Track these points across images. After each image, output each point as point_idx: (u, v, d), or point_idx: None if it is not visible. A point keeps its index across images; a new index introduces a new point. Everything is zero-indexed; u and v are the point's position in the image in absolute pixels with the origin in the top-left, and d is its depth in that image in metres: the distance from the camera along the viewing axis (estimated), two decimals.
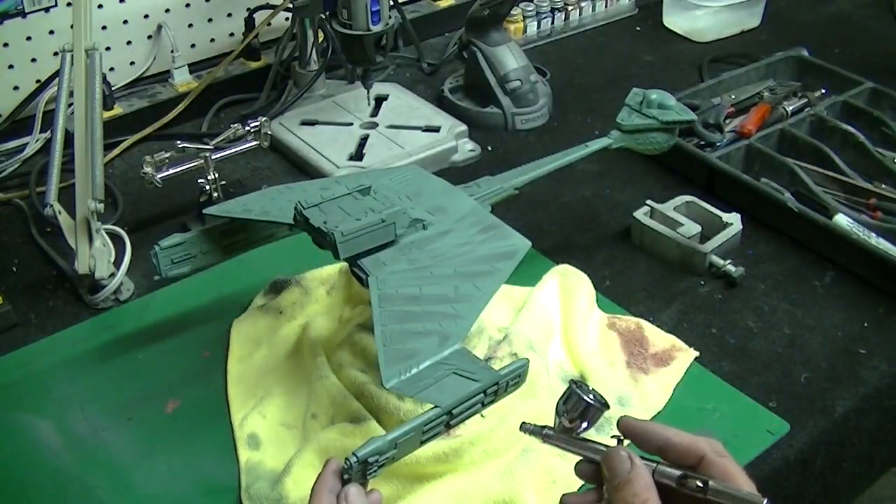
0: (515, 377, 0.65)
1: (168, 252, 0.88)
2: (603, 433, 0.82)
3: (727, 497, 0.55)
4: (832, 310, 0.99)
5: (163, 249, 0.87)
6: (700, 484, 0.56)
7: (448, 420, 0.62)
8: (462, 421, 0.63)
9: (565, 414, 0.62)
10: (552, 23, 1.59)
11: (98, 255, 0.97)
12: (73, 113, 0.98)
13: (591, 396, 0.61)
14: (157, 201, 1.15)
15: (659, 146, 1.02)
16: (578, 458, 0.62)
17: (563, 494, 0.62)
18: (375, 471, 0.60)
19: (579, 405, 0.61)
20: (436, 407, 0.61)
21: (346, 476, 0.59)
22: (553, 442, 0.63)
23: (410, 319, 0.69)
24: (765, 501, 0.54)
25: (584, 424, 0.62)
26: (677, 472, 0.57)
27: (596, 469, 0.60)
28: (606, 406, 0.61)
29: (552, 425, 0.63)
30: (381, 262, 0.76)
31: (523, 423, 0.64)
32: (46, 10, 1.23)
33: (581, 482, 0.77)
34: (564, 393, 0.62)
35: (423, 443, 0.62)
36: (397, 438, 0.60)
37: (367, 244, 0.76)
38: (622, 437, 0.61)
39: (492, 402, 0.65)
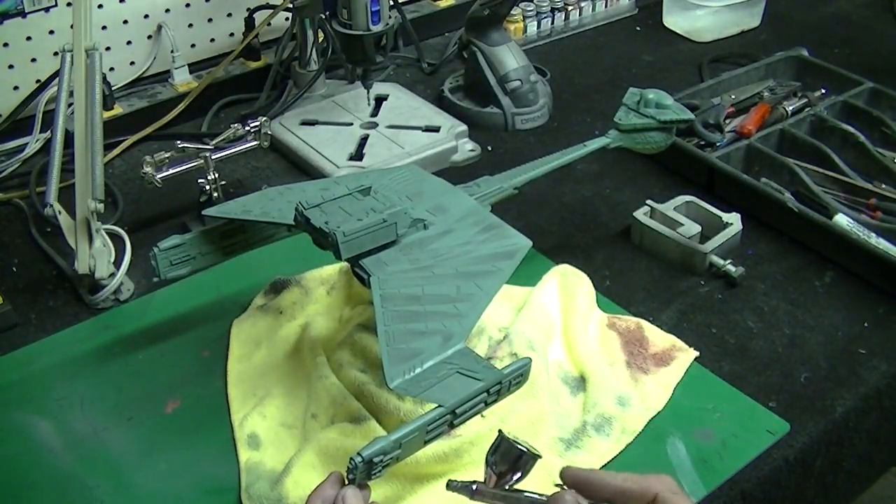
0: (518, 376, 0.65)
1: (167, 254, 0.88)
2: (602, 434, 0.82)
3: None
4: (832, 310, 0.99)
5: (161, 251, 0.87)
6: None
7: (452, 420, 0.62)
8: (465, 420, 0.63)
9: (495, 465, 0.59)
10: (552, 23, 1.59)
11: (98, 255, 0.97)
12: (73, 113, 0.98)
13: (523, 445, 0.59)
14: (157, 201, 1.15)
15: (657, 145, 1.02)
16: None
17: None
18: (380, 471, 0.59)
19: (510, 454, 0.59)
20: (439, 406, 0.61)
21: (350, 476, 0.59)
22: (485, 498, 0.60)
23: (413, 319, 0.69)
24: None
25: (518, 475, 0.59)
26: None
27: None
28: (538, 455, 0.59)
29: (482, 480, 0.60)
30: (383, 263, 0.76)
31: (449, 481, 0.61)
32: (46, 10, 1.23)
33: None
34: (493, 443, 0.60)
35: (426, 442, 0.62)
36: (402, 438, 0.59)
37: (369, 244, 0.76)
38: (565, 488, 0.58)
39: (494, 401, 0.65)
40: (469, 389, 0.62)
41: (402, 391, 0.64)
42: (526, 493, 0.59)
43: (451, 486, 0.62)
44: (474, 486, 0.60)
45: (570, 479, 0.58)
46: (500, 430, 0.61)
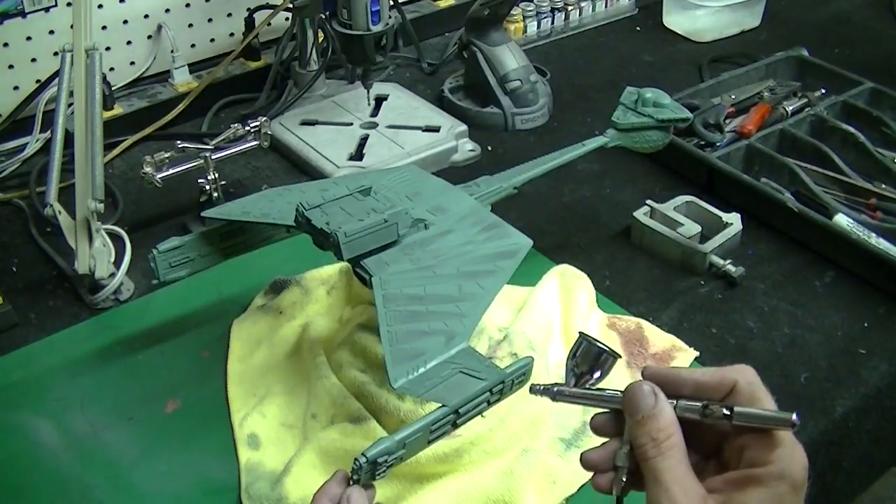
0: (520, 375, 0.65)
1: (166, 256, 0.88)
2: None
3: (754, 419, 0.52)
4: (832, 310, 0.99)
5: (161, 253, 0.87)
6: (726, 412, 0.53)
7: (455, 419, 0.62)
8: (468, 420, 0.63)
9: (576, 367, 0.60)
10: (552, 23, 1.59)
11: (98, 255, 0.97)
12: (73, 113, 0.98)
13: (603, 345, 0.59)
14: (157, 201, 1.15)
15: (654, 144, 1.02)
16: (595, 411, 0.59)
17: (583, 452, 0.59)
18: (384, 471, 0.59)
19: (590, 353, 0.59)
20: (442, 406, 0.61)
21: (354, 477, 0.59)
22: (566, 398, 0.60)
23: (416, 319, 0.69)
24: (793, 416, 0.51)
25: (597, 374, 0.59)
26: (699, 404, 0.54)
27: (613, 420, 0.58)
28: (618, 355, 0.59)
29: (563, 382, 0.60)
30: (384, 263, 0.76)
31: (532, 384, 0.61)
32: (46, 10, 1.23)
33: (581, 482, 0.78)
34: (574, 345, 0.60)
35: (430, 442, 0.62)
36: (406, 438, 0.59)
37: (371, 245, 0.76)
38: None
39: (497, 400, 0.65)
40: (472, 389, 0.62)
41: (405, 391, 0.64)
42: (606, 391, 0.58)
43: (533, 389, 0.61)
44: (555, 389, 0.60)
45: (650, 376, 0.57)
46: (580, 332, 0.60)
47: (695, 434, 0.55)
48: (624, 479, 0.56)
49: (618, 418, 0.57)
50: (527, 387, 0.67)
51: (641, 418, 0.54)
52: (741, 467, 0.53)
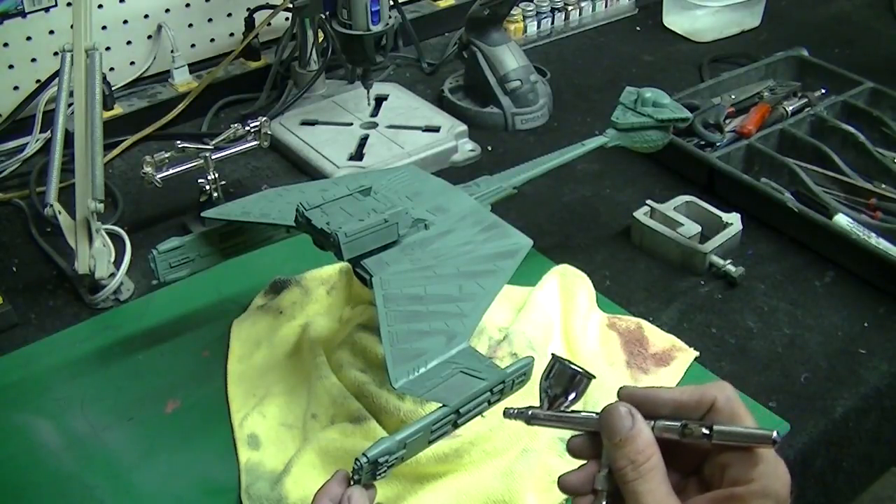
0: (521, 375, 0.65)
1: (166, 256, 0.88)
2: None
3: (734, 437, 0.52)
4: (832, 310, 0.99)
5: (161, 254, 0.87)
6: (705, 431, 0.52)
7: (456, 419, 0.62)
8: (469, 420, 0.63)
9: (549, 389, 0.59)
10: (552, 23, 1.59)
11: (98, 255, 0.97)
12: (73, 113, 0.98)
13: (577, 366, 0.59)
14: (157, 201, 1.15)
15: (654, 144, 1.02)
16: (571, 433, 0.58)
17: (560, 475, 0.58)
18: (385, 471, 0.59)
19: (564, 375, 0.59)
20: (443, 406, 0.61)
21: (355, 477, 0.59)
22: (541, 421, 0.59)
23: (416, 319, 0.69)
24: (774, 433, 0.51)
25: (572, 396, 0.59)
26: (677, 424, 0.54)
27: (590, 441, 0.57)
28: (592, 376, 0.59)
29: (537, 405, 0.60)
30: (385, 263, 0.76)
31: (506, 408, 0.61)
32: (46, 10, 1.23)
33: None
34: (547, 367, 0.60)
35: (430, 442, 0.62)
36: (406, 438, 0.59)
37: (371, 245, 0.76)
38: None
39: (497, 400, 0.65)
40: (473, 389, 0.62)
41: (406, 391, 0.64)
42: (581, 413, 0.58)
43: (507, 413, 0.61)
44: (530, 412, 0.60)
45: (626, 397, 0.56)
46: (553, 354, 0.60)
47: (674, 453, 0.54)
48: (604, 503, 0.55)
49: (595, 440, 0.56)
50: (528, 385, 0.67)
51: (619, 441, 0.53)
52: (724, 486, 0.53)
